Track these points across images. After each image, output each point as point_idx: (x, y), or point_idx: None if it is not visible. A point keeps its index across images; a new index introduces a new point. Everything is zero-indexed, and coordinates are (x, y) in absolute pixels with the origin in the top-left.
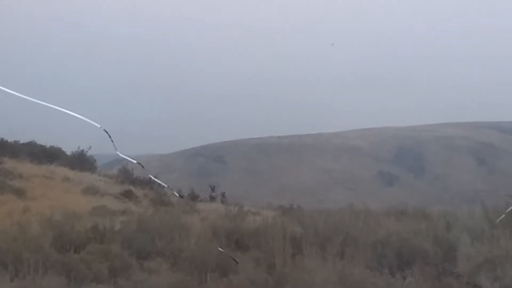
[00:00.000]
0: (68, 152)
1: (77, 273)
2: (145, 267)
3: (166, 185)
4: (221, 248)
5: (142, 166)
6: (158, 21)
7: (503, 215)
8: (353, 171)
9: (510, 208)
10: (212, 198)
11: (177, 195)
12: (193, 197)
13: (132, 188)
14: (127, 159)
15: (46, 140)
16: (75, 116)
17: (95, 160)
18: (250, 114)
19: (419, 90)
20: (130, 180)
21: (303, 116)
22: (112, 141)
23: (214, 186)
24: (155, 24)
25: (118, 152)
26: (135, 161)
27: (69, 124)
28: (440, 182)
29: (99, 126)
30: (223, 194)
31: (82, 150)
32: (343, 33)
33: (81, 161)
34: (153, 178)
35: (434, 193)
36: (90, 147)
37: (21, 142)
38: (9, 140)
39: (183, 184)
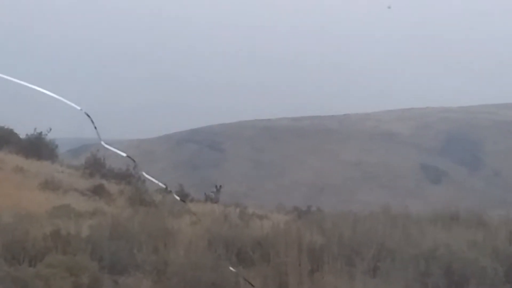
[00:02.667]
0: (22, 135)
1: None
2: (120, 284)
3: (152, 178)
4: (218, 260)
5: (123, 154)
6: None
7: None
8: (388, 164)
9: None
10: (208, 197)
11: (168, 189)
12: (182, 195)
13: (104, 182)
14: (97, 145)
15: None
16: (30, 89)
17: (56, 146)
18: (255, 89)
19: (473, 64)
20: (102, 172)
21: (324, 93)
22: (94, 123)
23: (219, 186)
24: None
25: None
26: (111, 147)
27: (23, 101)
28: (501, 179)
29: (66, 102)
30: (217, 189)
31: (40, 133)
32: None
33: (38, 147)
34: (137, 168)
35: (493, 193)
36: (50, 129)
37: None
38: None
39: (169, 178)
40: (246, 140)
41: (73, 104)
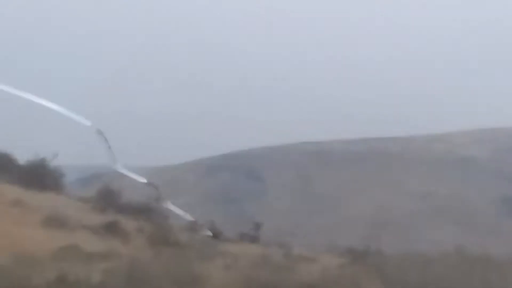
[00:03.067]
0: (22, 161)
1: None
2: None
3: (178, 210)
4: None
5: (142, 180)
6: None
7: None
8: (463, 196)
9: None
10: (245, 236)
11: (197, 226)
12: (214, 234)
13: (119, 218)
14: (111, 173)
15: None
16: (29, 102)
17: (62, 174)
18: (301, 105)
19: None
20: (116, 205)
21: (385, 110)
22: (109, 147)
23: (258, 223)
24: None
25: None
26: (127, 172)
27: (23, 117)
28: None
29: (86, 122)
30: (256, 226)
31: (43, 159)
32: None
33: (41, 176)
34: (159, 201)
35: None
36: (57, 155)
37: None
38: None
39: (198, 213)
40: (291, 167)
41: (82, 119)
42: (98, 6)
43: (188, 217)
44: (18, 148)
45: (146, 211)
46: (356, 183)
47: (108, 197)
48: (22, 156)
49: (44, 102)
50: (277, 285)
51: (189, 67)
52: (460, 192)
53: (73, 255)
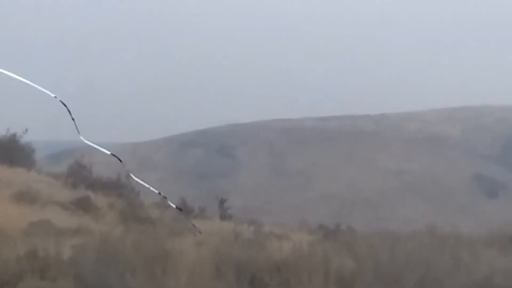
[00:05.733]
0: None
1: None
2: None
3: (149, 186)
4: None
5: (117, 158)
6: None
7: None
8: (435, 174)
9: None
10: (222, 212)
11: (167, 202)
12: (185, 210)
13: (90, 194)
14: (81, 149)
15: None
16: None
17: (33, 150)
18: (273, 83)
19: None
20: (88, 182)
21: (358, 88)
22: (73, 119)
23: (223, 199)
24: None
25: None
26: (106, 151)
27: None
28: None
29: (51, 94)
30: (221, 203)
31: (14, 135)
32: None
33: (12, 152)
34: (129, 177)
35: None
36: (26, 130)
37: None
38: None
39: (169, 190)
40: (263, 144)
41: (46, 91)
42: None
43: (159, 193)
44: None
45: (116, 188)
46: (328, 160)
47: (79, 173)
48: None
49: (9, 73)
50: (248, 261)
51: (159, 38)
52: (431, 170)
53: (44, 231)
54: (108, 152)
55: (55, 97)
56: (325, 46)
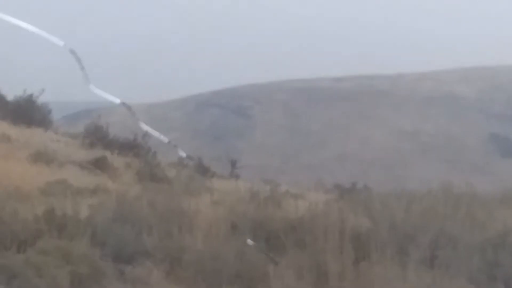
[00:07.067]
0: (9, 98)
1: (21, 282)
2: (127, 275)
3: (171, 142)
4: (244, 247)
5: (135, 116)
6: None
7: None
8: (450, 134)
9: None
10: (232, 173)
11: (185, 161)
12: (202, 169)
13: (107, 154)
14: (98, 109)
15: None
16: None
17: (50, 111)
18: (289, 45)
19: None
20: (104, 142)
21: (373, 48)
22: (83, 68)
23: (234, 160)
24: None
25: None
26: (116, 100)
27: (10, 53)
28: None
29: (60, 43)
30: (233, 164)
31: (31, 95)
32: None
33: (29, 112)
34: (146, 137)
35: None
36: (43, 90)
37: None
38: None
39: (185, 150)
40: (279, 104)
41: (54, 39)
42: None
43: (178, 152)
44: (6, 84)
45: (133, 148)
46: (343, 121)
47: (96, 134)
48: (10, 92)
49: (23, 24)
50: (264, 220)
51: None
52: (447, 130)
53: (61, 190)
54: (119, 101)
55: (65, 45)
56: (340, 7)
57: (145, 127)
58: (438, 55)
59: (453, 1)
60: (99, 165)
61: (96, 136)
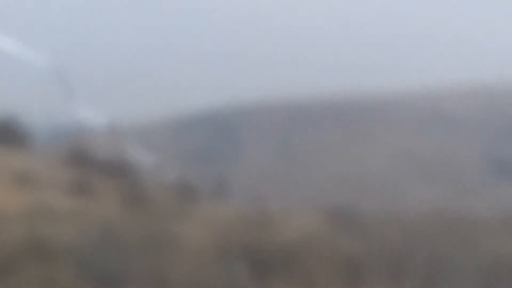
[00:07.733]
0: None
1: None
2: None
3: (157, 164)
4: (232, 271)
5: (120, 137)
6: None
7: None
8: (445, 154)
9: None
10: (219, 194)
11: (171, 184)
12: (189, 191)
13: (91, 176)
14: (83, 129)
15: None
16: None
17: (33, 131)
18: (280, 60)
19: None
20: (88, 163)
21: (365, 64)
22: (64, 82)
23: (222, 181)
24: None
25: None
26: (113, 127)
27: None
28: None
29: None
30: (221, 184)
31: (13, 115)
32: None
33: (10, 132)
34: (133, 157)
35: None
36: (27, 111)
37: None
38: None
39: (172, 170)
40: (268, 124)
41: (40, 60)
42: None
43: (164, 173)
44: None
45: (118, 169)
46: (335, 141)
47: (80, 154)
48: None
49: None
50: (254, 244)
51: (153, 8)
52: (441, 150)
53: (43, 214)
54: (103, 122)
55: (50, 66)
56: (338, 22)
57: (131, 148)
58: (432, 72)
59: (447, 14)
60: (83, 187)
61: (80, 157)
